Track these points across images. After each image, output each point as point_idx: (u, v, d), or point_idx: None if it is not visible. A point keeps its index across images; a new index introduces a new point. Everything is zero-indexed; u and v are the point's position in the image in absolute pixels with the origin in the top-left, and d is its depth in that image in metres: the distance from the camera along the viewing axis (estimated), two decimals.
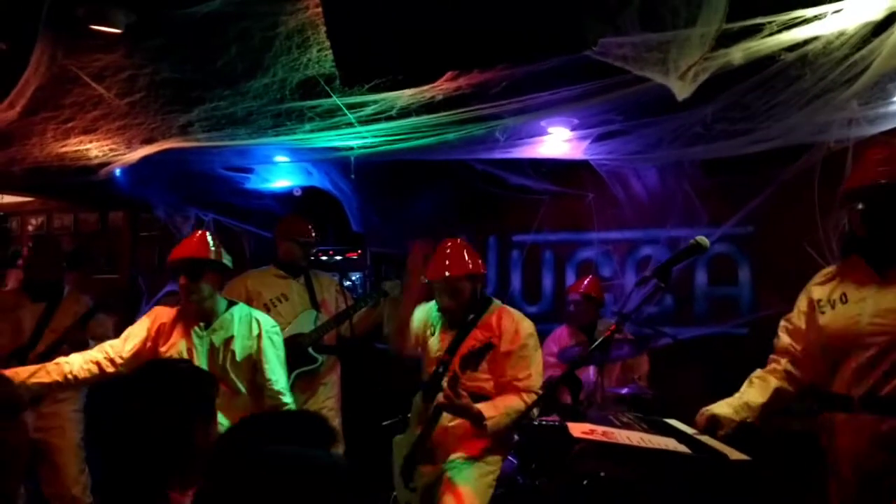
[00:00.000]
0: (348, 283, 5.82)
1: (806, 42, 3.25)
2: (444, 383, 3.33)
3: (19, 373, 3.55)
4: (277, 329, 3.85)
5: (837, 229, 4.92)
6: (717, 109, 4.05)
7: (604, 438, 2.77)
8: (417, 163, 5.42)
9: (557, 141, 5.08)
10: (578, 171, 5.88)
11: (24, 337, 4.60)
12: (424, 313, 3.82)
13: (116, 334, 3.92)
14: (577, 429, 2.86)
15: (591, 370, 4.76)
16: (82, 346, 4.24)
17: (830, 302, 2.72)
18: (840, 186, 2.81)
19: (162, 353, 3.66)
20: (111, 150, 4.57)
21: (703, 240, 2.84)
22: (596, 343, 3.05)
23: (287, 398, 3.73)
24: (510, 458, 4.79)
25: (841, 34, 3.22)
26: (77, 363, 3.65)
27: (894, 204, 2.60)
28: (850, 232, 2.76)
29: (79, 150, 4.54)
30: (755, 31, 3.06)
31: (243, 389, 3.68)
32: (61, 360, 3.68)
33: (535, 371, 3.48)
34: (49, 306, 4.70)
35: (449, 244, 3.67)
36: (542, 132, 4.97)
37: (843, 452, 2.61)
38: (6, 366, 4.35)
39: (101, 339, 4.55)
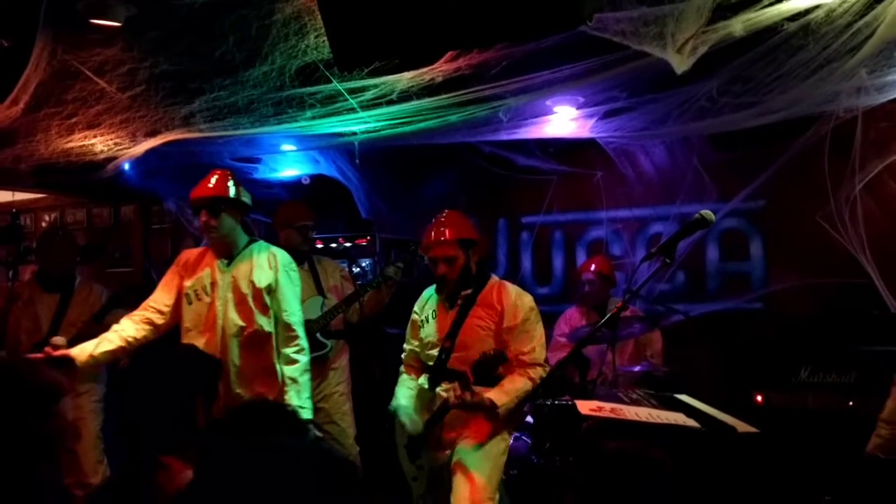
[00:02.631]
0: (358, 269, 5.83)
1: (808, 11, 3.20)
2: (448, 387, 3.38)
3: (84, 348, 3.70)
4: (294, 266, 3.98)
5: (849, 201, 4.87)
6: (722, 82, 4.01)
7: (612, 415, 2.77)
8: (424, 147, 5.40)
9: (564, 120, 5.05)
10: (586, 150, 5.85)
11: (43, 330, 4.68)
12: (421, 301, 3.83)
13: None
14: (586, 406, 2.86)
15: (603, 348, 4.74)
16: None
17: None
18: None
19: (186, 288, 3.86)
20: (116, 144, 4.59)
21: (708, 213, 2.81)
22: (603, 320, 3.05)
23: (299, 331, 3.83)
24: (524, 438, 4.81)
25: (843, 1, 3.17)
26: (129, 326, 3.82)
27: None
28: None
29: (84, 146, 4.57)
30: (755, 1, 3.01)
31: (265, 325, 3.80)
32: (115, 327, 3.83)
33: (538, 344, 3.51)
34: (63, 298, 4.79)
35: (442, 215, 3.68)
36: (548, 111, 4.94)
37: None
38: None
39: None
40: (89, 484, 4.56)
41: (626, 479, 4.04)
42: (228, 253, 3.88)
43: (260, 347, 3.80)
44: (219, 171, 3.95)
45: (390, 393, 3.77)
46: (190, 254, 4.01)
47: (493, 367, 3.36)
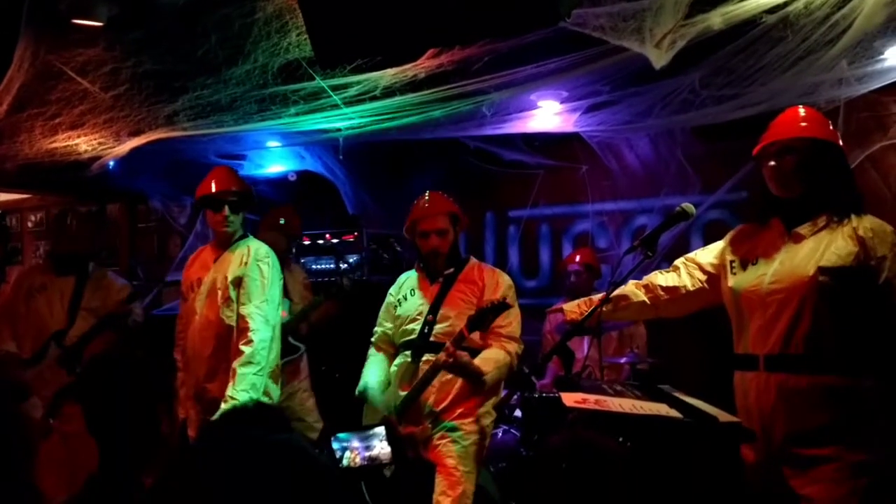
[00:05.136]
0: (345, 265, 5.85)
1: (786, 3, 3.24)
2: (432, 357, 3.36)
3: None
4: (270, 260, 3.88)
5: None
6: (704, 75, 4.04)
7: (596, 407, 2.79)
8: (409, 143, 5.42)
9: (548, 114, 5.08)
10: (571, 143, 5.88)
11: (60, 318, 4.49)
12: (397, 284, 3.80)
13: None
14: (570, 398, 2.88)
15: (586, 341, 4.78)
16: (122, 327, 4.41)
17: (742, 263, 2.73)
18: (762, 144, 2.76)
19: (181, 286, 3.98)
20: (100, 143, 4.59)
21: (689, 206, 2.84)
22: (588, 313, 3.07)
23: (253, 323, 3.70)
24: (512, 431, 4.85)
25: None
26: None
27: (819, 158, 2.61)
28: (763, 193, 2.74)
29: (68, 146, 4.57)
30: None
31: (229, 319, 3.74)
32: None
33: (514, 319, 3.51)
34: (79, 281, 4.55)
35: (426, 193, 3.67)
36: (532, 106, 4.97)
37: (752, 411, 2.62)
38: (45, 350, 4.40)
39: (137, 322, 4.60)
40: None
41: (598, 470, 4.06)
42: (222, 248, 3.90)
43: (225, 342, 3.75)
44: (221, 168, 3.97)
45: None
46: (194, 256, 4.07)
47: (493, 315, 3.33)
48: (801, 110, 2.74)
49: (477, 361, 3.34)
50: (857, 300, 2.52)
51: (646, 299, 2.97)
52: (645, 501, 2.31)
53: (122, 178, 5.82)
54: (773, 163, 2.64)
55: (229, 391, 3.60)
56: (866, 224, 2.56)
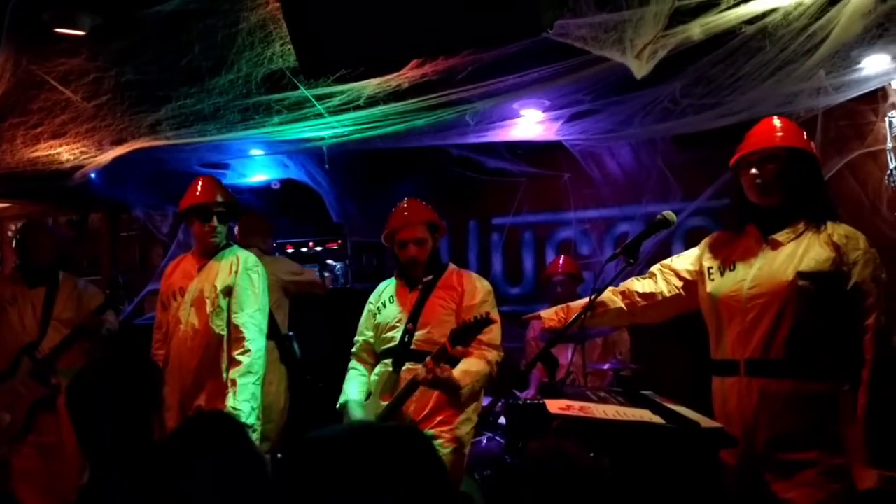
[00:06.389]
0: (328, 274, 5.85)
1: (765, 14, 3.29)
2: (414, 366, 3.36)
3: None
4: (259, 269, 3.90)
5: None
6: (684, 85, 4.09)
7: (581, 413, 2.80)
8: (393, 151, 5.43)
9: (531, 123, 5.11)
10: (554, 152, 5.91)
11: (32, 330, 4.49)
12: (377, 292, 3.77)
13: None
14: (555, 405, 2.89)
15: (570, 349, 4.80)
16: (96, 337, 4.41)
17: (720, 269, 2.77)
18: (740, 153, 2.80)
19: (161, 294, 4.00)
20: (82, 152, 4.57)
21: (670, 214, 2.87)
22: (571, 321, 3.08)
23: (248, 333, 3.72)
24: (497, 438, 4.85)
25: (799, 4, 3.26)
26: None
27: (797, 167, 2.65)
28: (740, 200, 2.78)
29: (50, 154, 4.54)
30: (712, 5, 3.09)
31: (218, 329, 3.74)
32: None
33: (495, 328, 3.47)
34: (49, 291, 4.57)
35: (405, 201, 3.66)
36: (515, 115, 5.00)
37: (733, 416, 2.65)
38: (17, 363, 4.36)
39: (112, 330, 4.58)
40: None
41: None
42: (206, 258, 3.88)
43: (214, 351, 3.75)
44: (207, 178, 3.96)
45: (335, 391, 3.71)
46: (174, 264, 4.06)
47: (475, 332, 3.27)
48: (777, 121, 2.79)
49: (455, 373, 3.32)
50: (835, 305, 2.56)
51: (623, 306, 3.00)
52: None
53: (105, 187, 5.78)
54: (754, 171, 2.68)
55: (231, 402, 3.60)
56: (841, 231, 2.62)
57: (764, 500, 2.59)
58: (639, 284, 3.01)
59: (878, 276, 2.57)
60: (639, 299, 2.98)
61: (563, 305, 3.11)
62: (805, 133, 2.79)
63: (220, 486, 1.37)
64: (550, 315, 3.06)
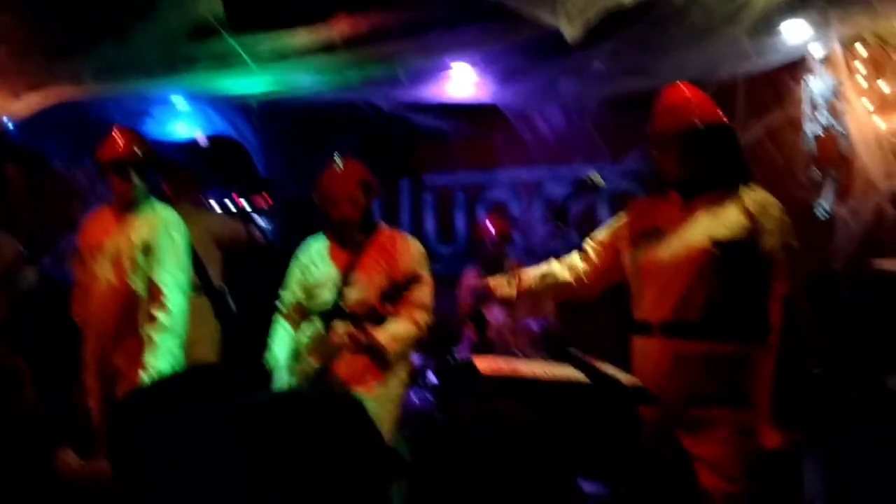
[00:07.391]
0: (258, 231, 5.76)
1: None
2: (343, 329, 3.36)
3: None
4: (180, 227, 3.80)
5: None
6: (613, 48, 4.13)
7: (510, 373, 2.85)
8: (325, 107, 5.35)
9: (466, 83, 5.09)
10: (487, 112, 5.92)
11: None
12: (305, 248, 3.71)
13: None
14: (485, 365, 2.93)
15: (498, 308, 4.87)
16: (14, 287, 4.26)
17: (643, 234, 2.84)
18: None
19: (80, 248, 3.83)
20: None
21: (597, 176, 2.91)
22: (522, 293, 3.10)
23: (167, 292, 3.64)
24: (427, 395, 4.91)
25: None
26: None
27: (707, 146, 2.67)
28: (657, 170, 2.81)
29: None
30: None
31: (136, 286, 3.65)
32: None
33: (427, 288, 3.51)
34: None
35: (337, 160, 3.60)
36: (446, 67, 4.95)
37: (650, 374, 2.72)
38: None
39: (30, 285, 4.42)
40: None
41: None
42: (125, 212, 3.76)
43: (132, 309, 3.65)
44: (123, 130, 3.78)
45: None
46: (92, 217, 3.90)
47: (404, 291, 3.33)
48: (683, 90, 2.75)
49: (384, 339, 3.34)
50: (747, 271, 2.65)
51: (571, 280, 3.04)
52: (550, 464, 2.40)
53: (22, 138, 5.54)
54: (656, 153, 2.73)
55: (147, 358, 3.50)
56: (755, 197, 2.68)
57: (677, 453, 2.69)
58: (579, 261, 3.05)
59: (789, 244, 2.66)
60: (583, 275, 3.03)
61: (512, 274, 3.10)
62: (710, 100, 2.75)
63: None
64: (501, 285, 3.07)
